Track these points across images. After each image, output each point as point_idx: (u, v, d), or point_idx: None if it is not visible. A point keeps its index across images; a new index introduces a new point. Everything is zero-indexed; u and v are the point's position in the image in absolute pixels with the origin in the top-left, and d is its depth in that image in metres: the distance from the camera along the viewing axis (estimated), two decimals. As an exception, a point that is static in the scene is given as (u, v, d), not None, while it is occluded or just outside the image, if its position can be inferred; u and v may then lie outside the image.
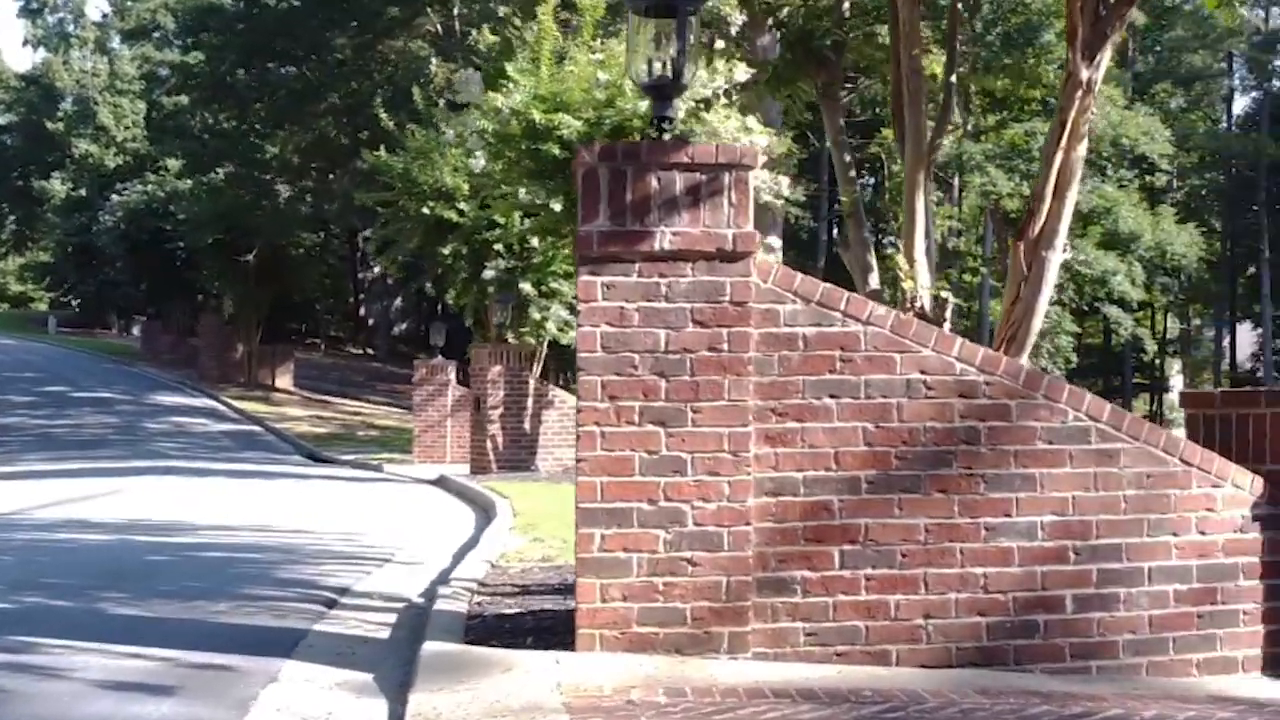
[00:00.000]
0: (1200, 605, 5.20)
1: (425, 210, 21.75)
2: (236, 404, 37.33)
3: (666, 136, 5.06)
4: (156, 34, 59.01)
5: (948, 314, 7.65)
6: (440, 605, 5.86)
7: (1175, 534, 5.17)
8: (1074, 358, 31.74)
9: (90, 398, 36.95)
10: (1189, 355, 56.92)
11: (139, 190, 46.36)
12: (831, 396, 4.92)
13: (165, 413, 35.46)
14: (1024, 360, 6.53)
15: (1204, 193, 47.89)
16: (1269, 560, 5.30)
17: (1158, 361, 54.65)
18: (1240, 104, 51.89)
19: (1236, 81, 48.37)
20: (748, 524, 4.81)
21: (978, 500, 4.98)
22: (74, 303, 64.16)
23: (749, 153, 4.86)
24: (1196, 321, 57.31)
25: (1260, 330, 45.74)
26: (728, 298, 4.83)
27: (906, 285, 7.38)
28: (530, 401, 19.06)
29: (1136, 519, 5.12)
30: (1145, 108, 45.62)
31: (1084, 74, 6.28)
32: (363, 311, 61.13)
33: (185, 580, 7.10)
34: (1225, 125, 48.87)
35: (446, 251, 23.02)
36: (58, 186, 61.77)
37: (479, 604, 6.08)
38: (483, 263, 21.51)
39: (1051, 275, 6.58)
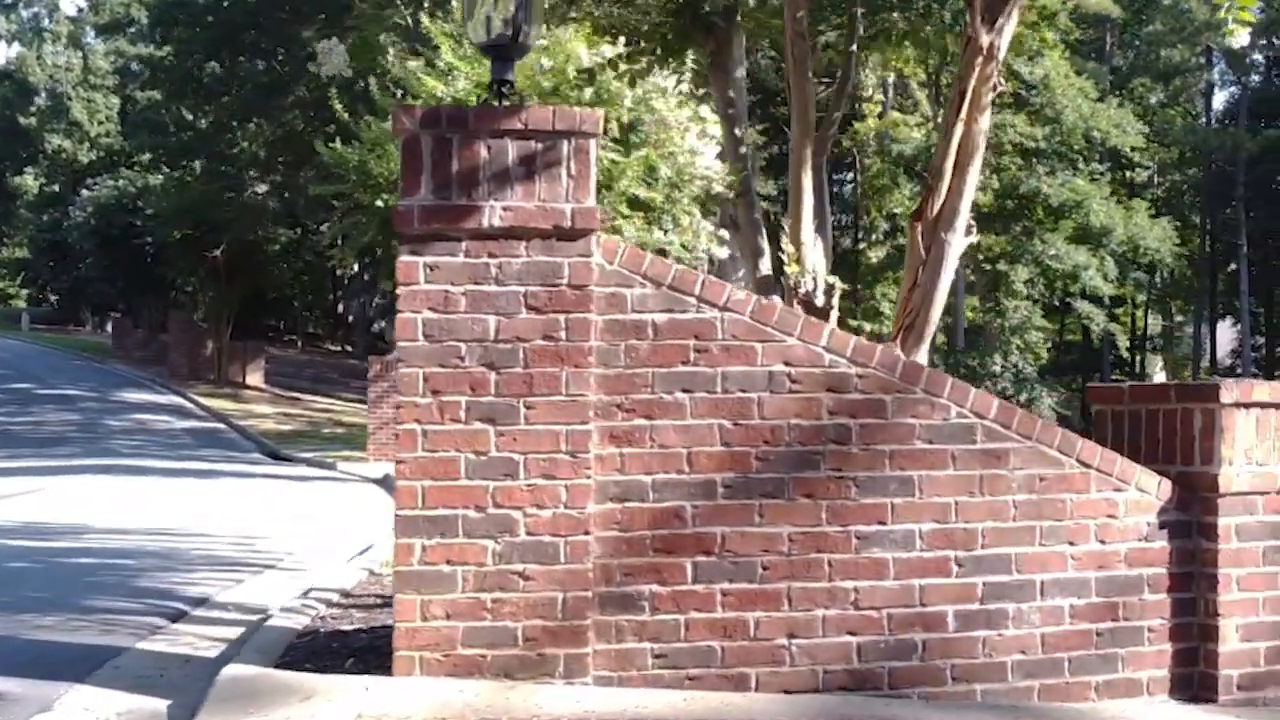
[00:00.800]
0: (1100, 622, 4.70)
1: (379, 203, 21.25)
2: (204, 401, 36.73)
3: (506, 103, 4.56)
4: (132, 29, 58.37)
5: (835, 301, 7.13)
6: (277, 620, 5.34)
7: (1071, 543, 4.67)
8: (1044, 354, 31.28)
9: (55, 395, 36.35)
10: (1170, 352, 56.63)
11: (109, 185, 45.80)
12: (684, 391, 4.42)
13: (129, 410, 34.89)
14: (923, 351, 6.04)
15: (1184, 188, 47.51)
16: (1177, 572, 4.81)
17: (1138, 358, 54.38)
18: (1221, 98, 51.57)
19: (1216, 76, 47.96)
20: (587, 533, 4.30)
21: (848, 506, 4.48)
22: (53, 298, 63.55)
23: (590, 118, 4.36)
24: (1180, 318, 57.06)
25: (1239, 326, 45.36)
26: (566, 280, 4.32)
27: (790, 270, 6.87)
28: (479, 398, 18.52)
29: (1028, 526, 4.63)
30: (1122, 102, 45.35)
31: (984, 38, 5.78)
32: (341, 308, 60.56)
33: (30, 590, 6.58)
34: (1205, 120, 48.44)
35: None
36: (31, 182, 61.13)
37: (324, 617, 5.56)
38: (439, 257, 21.08)
39: (952, 259, 6.06)
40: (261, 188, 41.79)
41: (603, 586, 4.35)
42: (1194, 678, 4.80)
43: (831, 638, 4.46)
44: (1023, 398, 28.70)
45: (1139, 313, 55.52)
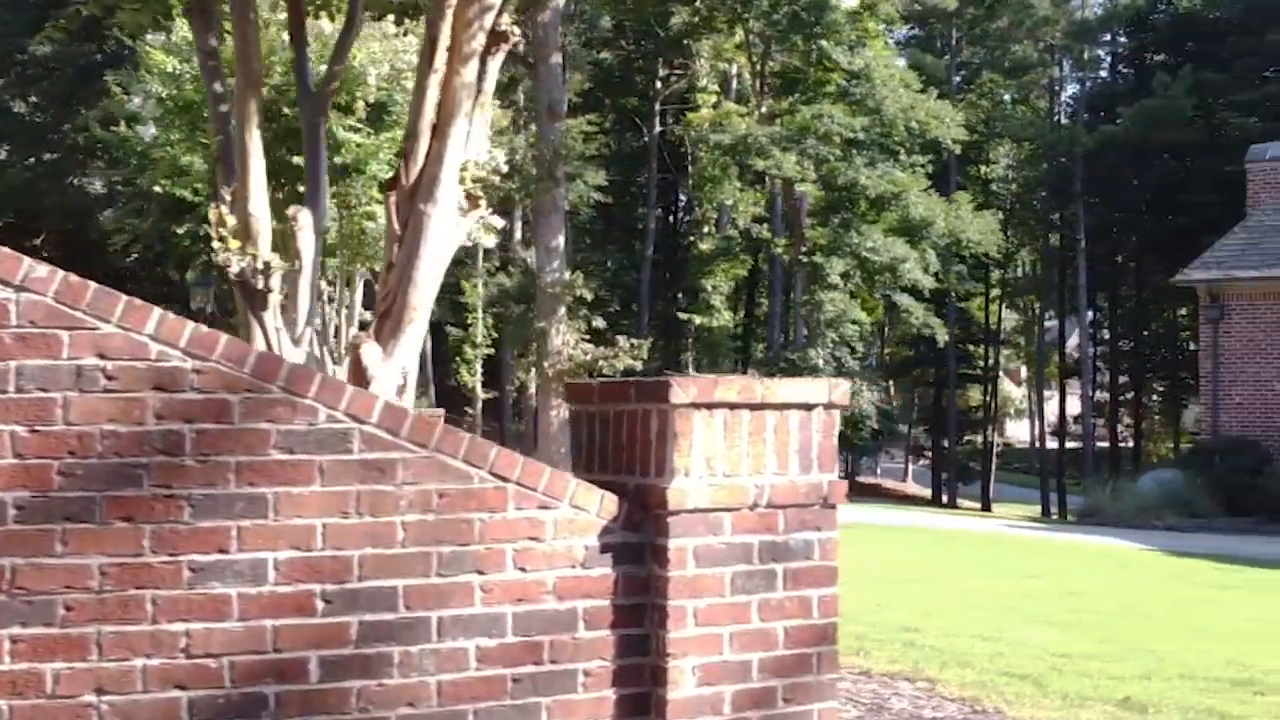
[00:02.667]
0: (518, 666, 3.94)
1: (158, 188, 20.24)
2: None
3: None
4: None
5: (275, 283, 6.31)
6: None
7: (481, 572, 3.90)
8: (860, 347, 30.91)
9: None
10: (1031, 348, 57.16)
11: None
12: (-35, 390, 3.55)
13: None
14: (405, 341, 5.24)
15: (1036, 185, 47.85)
16: (626, 604, 4.07)
17: (991, 354, 54.79)
18: (1074, 93, 52.03)
19: (1066, 71, 48.34)
20: None
21: (180, 531, 3.65)
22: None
23: None
24: (1050, 314, 57.60)
25: (1076, 319, 45.75)
26: None
27: (220, 247, 6.02)
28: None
29: (421, 553, 3.84)
30: (976, 97, 45.50)
31: (455, -25, 5.01)
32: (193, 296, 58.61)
33: None
34: (1056, 117, 48.79)
35: (181, 232, 21.57)
36: None
37: None
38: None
39: (435, 234, 5.23)
40: (93, 177, 40.21)
41: None
42: (643, 729, 4.06)
43: (155, 693, 3.62)
44: (843, 393, 28.24)
45: (994, 308, 56.01)
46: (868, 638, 6.78)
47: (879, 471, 62.88)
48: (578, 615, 4.01)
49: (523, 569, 3.95)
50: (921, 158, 31.32)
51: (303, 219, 6.48)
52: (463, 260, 43.09)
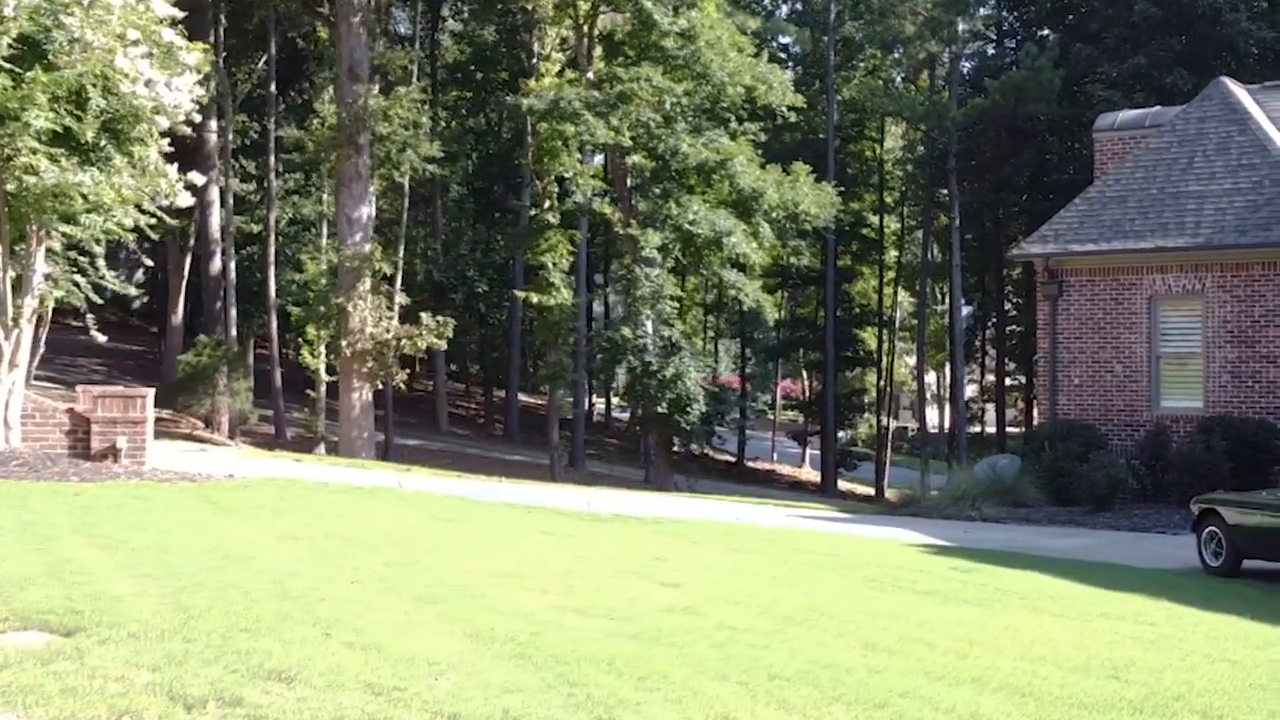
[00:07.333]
0: None
1: None
2: None
3: None
4: None
5: None
6: None
7: None
8: (679, 322, 29.20)
9: None
10: (919, 328, 56.08)
11: None
12: None
13: None
14: None
15: (920, 164, 46.59)
16: None
17: (884, 336, 53.66)
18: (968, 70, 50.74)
19: (951, 46, 47.00)
20: None
21: None
22: None
23: None
24: (941, 297, 56.40)
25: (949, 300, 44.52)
26: None
27: None
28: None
29: None
30: (868, 72, 44.06)
31: None
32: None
33: None
34: (945, 93, 47.51)
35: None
36: None
37: None
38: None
39: None
40: None
41: None
42: None
43: None
44: (668, 373, 26.75)
45: (888, 290, 54.88)
46: None
47: (775, 457, 61.67)
48: None
49: None
50: (753, 125, 29.56)
51: None
52: (307, 234, 41.18)
